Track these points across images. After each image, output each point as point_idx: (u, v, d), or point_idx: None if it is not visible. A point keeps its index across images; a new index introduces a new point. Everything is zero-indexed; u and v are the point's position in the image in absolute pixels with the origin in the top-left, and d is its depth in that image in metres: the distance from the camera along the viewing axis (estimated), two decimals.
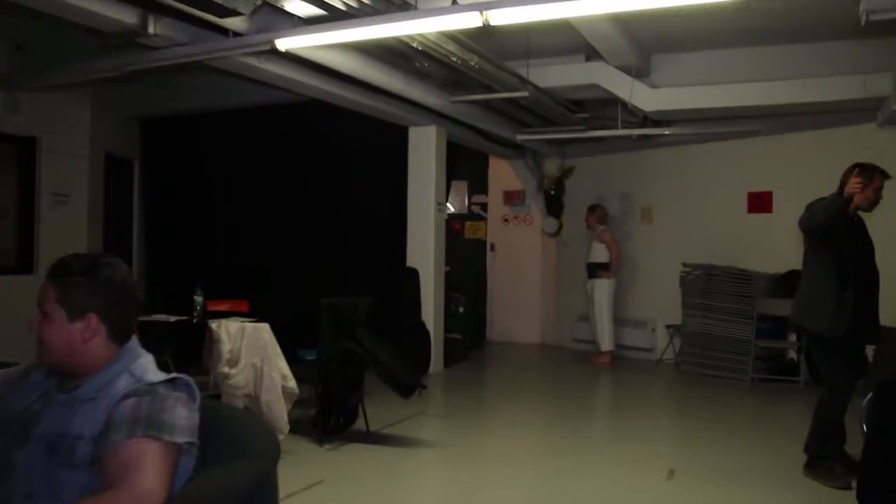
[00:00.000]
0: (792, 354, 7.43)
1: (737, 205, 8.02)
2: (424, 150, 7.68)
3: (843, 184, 4.19)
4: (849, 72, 5.97)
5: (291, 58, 5.46)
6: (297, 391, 4.77)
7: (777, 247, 7.53)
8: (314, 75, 6.02)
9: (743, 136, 7.70)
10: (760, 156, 7.80)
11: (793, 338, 7.37)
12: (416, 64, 5.99)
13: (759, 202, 7.86)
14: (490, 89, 6.51)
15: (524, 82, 6.46)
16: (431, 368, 7.44)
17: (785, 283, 7.39)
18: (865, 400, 3.99)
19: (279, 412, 4.65)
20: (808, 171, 7.27)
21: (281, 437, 4.38)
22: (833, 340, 4.17)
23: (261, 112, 7.97)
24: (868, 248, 4.29)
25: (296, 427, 4.80)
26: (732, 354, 7.35)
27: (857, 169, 3.95)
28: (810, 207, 4.15)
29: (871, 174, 4.13)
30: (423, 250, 7.60)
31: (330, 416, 5.08)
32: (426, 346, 7.43)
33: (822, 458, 4.25)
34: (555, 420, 5.96)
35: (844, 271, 4.16)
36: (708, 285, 7.65)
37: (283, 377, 4.72)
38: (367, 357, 4.92)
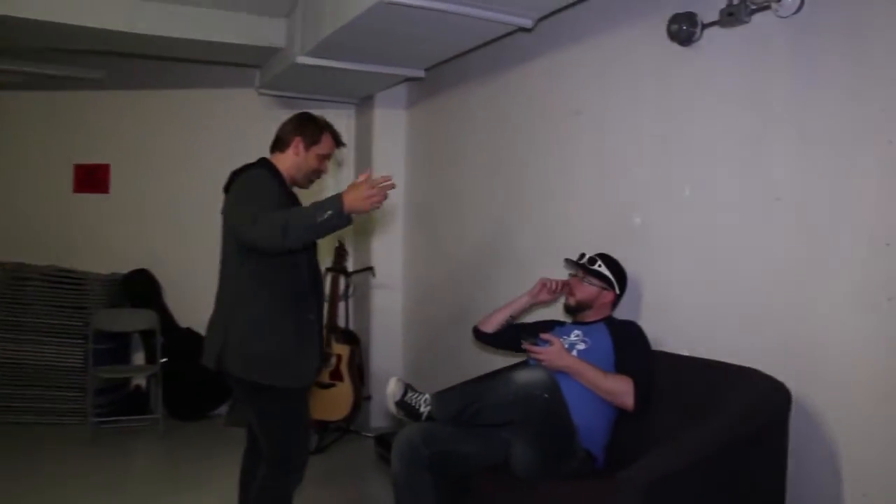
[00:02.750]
0: (140, 381, 5.68)
1: (61, 181, 5.81)
2: None
3: (281, 141, 2.74)
4: (238, 9, 4.53)
5: None
6: None
7: (117, 239, 5.72)
8: None
9: (78, 85, 5.57)
10: (97, 116, 5.77)
11: (140, 359, 5.64)
12: None
13: (92, 178, 5.83)
14: None
15: None
16: None
17: (127, 288, 5.62)
18: None
19: None
20: (160, 140, 5.73)
21: None
22: (290, 392, 2.66)
23: None
24: (311, 247, 2.79)
25: None
26: (61, 390, 5.18)
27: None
28: (265, 218, 2.40)
29: (316, 134, 2.75)
30: None
31: None
32: None
33: None
34: None
35: (303, 285, 2.69)
36: (17, 294, 5.28)
37: None
38: None
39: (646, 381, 2.65)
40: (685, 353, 2.84)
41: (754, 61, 2.62)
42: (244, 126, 5.20)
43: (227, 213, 2.63)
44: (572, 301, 2.98)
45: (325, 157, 2.79)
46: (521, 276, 3.84)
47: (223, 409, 5.38)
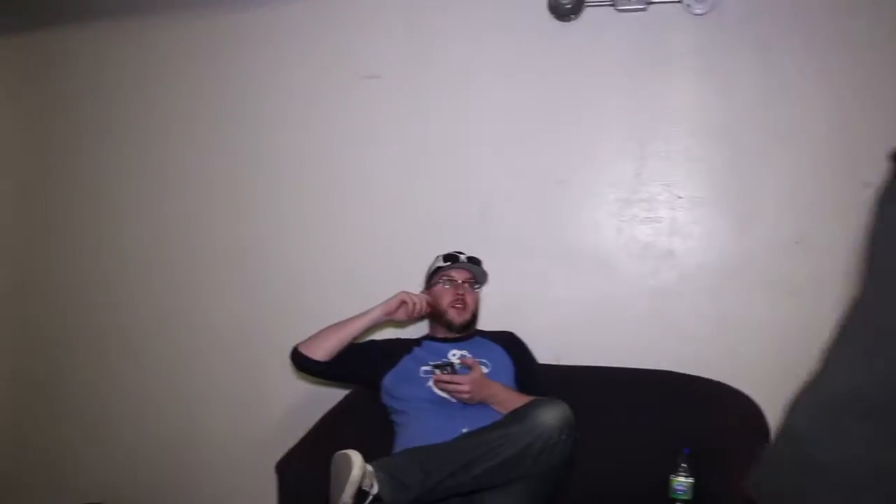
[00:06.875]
0: None
1: None
2: None
3: None
4: None
5: None
6: None
7: None
8: None
9: None
10: None
11: None
12: None
13: None
14: None
15: None
16: None
17: None
18: None
19: None
20: None
21: None
22: None
23: None
24: None
25: None
26: None
27: None
28: None
29: None
30: None
31: None
32: None
33: None
34: None
35: None
36: None
37: None
38: None
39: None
40: (552, 362, 2.56)
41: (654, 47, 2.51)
42: None
43: None
44: (467, 315, 2.38)
45: None
46: (241, 287, 2.97)
47: None
